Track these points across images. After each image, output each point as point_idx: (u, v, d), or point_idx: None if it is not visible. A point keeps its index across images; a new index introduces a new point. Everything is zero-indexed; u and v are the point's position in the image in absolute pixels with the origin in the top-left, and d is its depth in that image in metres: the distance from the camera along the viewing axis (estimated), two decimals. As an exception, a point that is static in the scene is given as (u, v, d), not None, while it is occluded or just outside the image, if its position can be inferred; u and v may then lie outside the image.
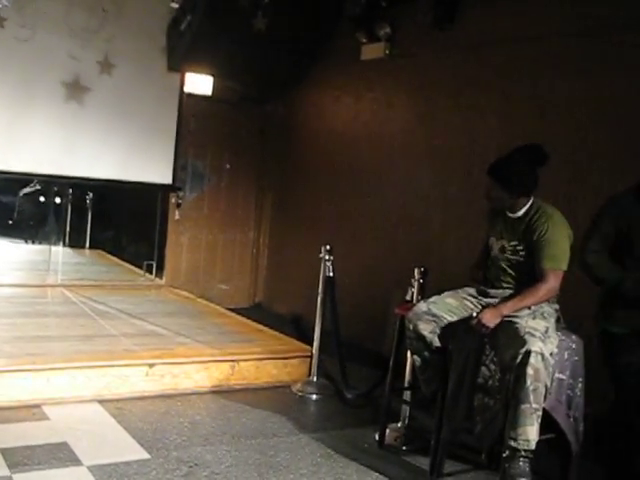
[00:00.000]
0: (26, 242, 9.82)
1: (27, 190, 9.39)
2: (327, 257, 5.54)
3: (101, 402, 4.78)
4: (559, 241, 3.79)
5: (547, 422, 3.69)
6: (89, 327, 5.98)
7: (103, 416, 4.57)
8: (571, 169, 5.10)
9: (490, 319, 3.75)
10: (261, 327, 6.60)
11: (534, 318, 3.69)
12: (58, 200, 8.92)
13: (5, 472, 3.63)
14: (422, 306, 4.04)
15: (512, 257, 3.94)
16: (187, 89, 7.94)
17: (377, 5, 6.77)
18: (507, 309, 3.77)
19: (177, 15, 7.28)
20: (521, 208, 3.92)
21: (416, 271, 4.65)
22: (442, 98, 6.36)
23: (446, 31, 6.18)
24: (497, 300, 3.93)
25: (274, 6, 6.64)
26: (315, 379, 5.56)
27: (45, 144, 7.29)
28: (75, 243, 9.48)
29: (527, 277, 3.86)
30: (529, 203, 3.92)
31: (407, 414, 4.66)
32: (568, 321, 3.98)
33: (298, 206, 8.29)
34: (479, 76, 5.99)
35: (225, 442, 4.31)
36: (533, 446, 3.49)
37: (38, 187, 9.17)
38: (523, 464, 3.49)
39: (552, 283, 3.76)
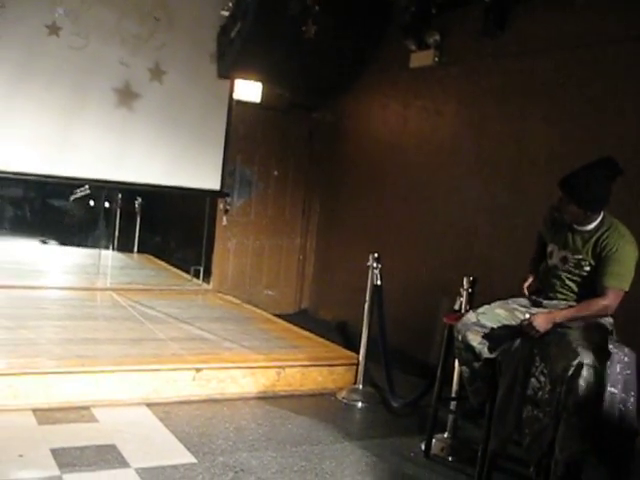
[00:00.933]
0: (76, 246, 9.98)
1: (78, 195, 9.55)
2: (375, 265, 5.52)
3: (149, 405, 4.83)
4: (627, 261, 3.72)
5: (599, 436, 3.63)
6: (137, 331, 6.04)
7: (150, 419, 4.62)
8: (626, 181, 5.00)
9: (542, 323, 3.70)
10: (307, 334, 6.60)
11: (587, 331, 3.62)
12: (108, 205, 9.06)
13: (55, 472, 3.70)
14: (471, 316, 4.00)
15: (574, 270, 3.86)
16: (236, 96, 7.99)
17: (427, 13, 6.74)
18: (560, 317, 3.72)
19: (227, 23, 7.32)
20: (591, 222, 3.83)
21: (465, 280, 4.61)
22: (491, 105, 6.31)
23: (496, 38, 6.13)
24: (548, 311, 3.87)
25: (324, 14, 6.65)
26: (361, 387, 5.55)
27: (96, 149, 7.39)
28: (124, 247, 9.61)
29: (586, 291, 3.81)
30: (600, 217, 3.84)
31: (454, 424, 4.62)
32: (621, 335, 3.90)
33: (345, 213, 8.28)
34: (529, 83, 5.93)
35: (271, 448, 4.33)
36: (584, 460, 3.43)
37: (88, 192, 9.32)
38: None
39: (611, 301, 3.70)
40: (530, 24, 5.90)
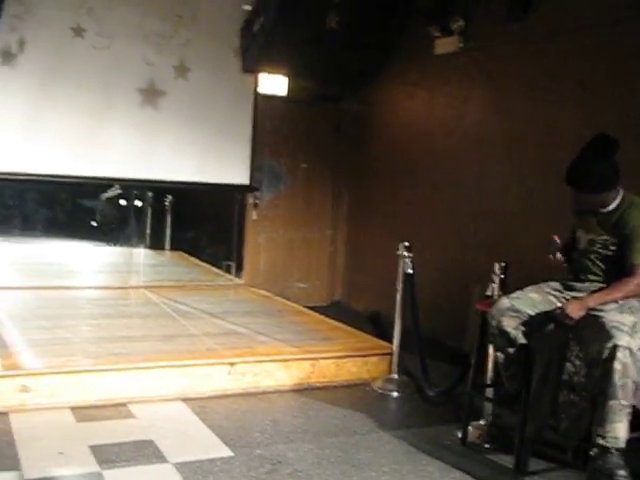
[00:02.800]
0: (109, 245, 10.08)
1: (108, 194, 9.64)
2: (406, 254, 5.50)
3: (185, 400, 4.86)
4: None
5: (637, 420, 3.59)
6: (171, 327, 6.08)
7: (187, 414, 4.65)
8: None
9: (575, 311, 3.66)
10: (340, 325, 6.60)
11: (621, 312, 3.58)
12: (139, 203, 9.13)
13: (95, 468, 3.74)
14: (505, 302, 3.97)
15: (602, 251, 3.85)
16: (261, 90, 7.99)
17: (450, -2, 6.70)
18: (593, 301, 3.68)
19: (250, 17, 7.34)
20: (612, 202, 3.82)
21: (497, 266, 4.56)
22: (518, 89, 6.24)
23: (521, 22, 6.06)
24: (583, 294, 3.83)
25: (346, 3, 6.63)
26: (396, 376, 5.52)
27: (124, 149, 7.46)
28: (156, 245, 9.69)
29: (616, 271, 3.76)
30: (620, 196, 3.82)
31: (490, 411, 4.57)
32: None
33: (374, 203, 8.26)
34: (556, 66, 5.85)
35: (307, 440, 4.33)
36: (622, 444, 3.39)
37: (119, 191, 9.41)
38: (616, 458, 3.38)
39: None
40: (555, 6, 5.81)
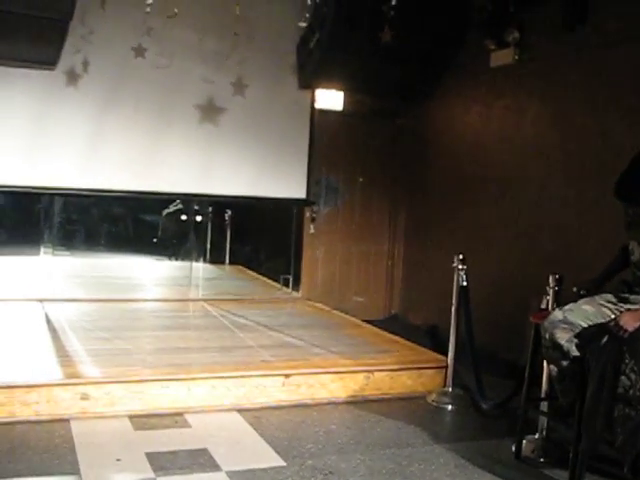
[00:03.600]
0: (169, 259, 10.27)
1: (170, 209, 9.84)
2: (460, 266, 5.49)
3: (239, 411, 4.93)
4: None
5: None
6: (228, 339, 6.18)
7: (241, 424, 4.71)
8: None
9: (630, 322, 3.60)
10: (395, 338, 6.60)
11: (676, 323, 3.52)
12: (199, 218, 9.30)
13: (150, 475, 3.83)
14: (558, 314, 3.94)
15: None
16: (318, 105, 8.08)
17: (505, 11, 6.66)
18: None
19: (305, 34, 7.42)
20: None
21: (551, 278, 4.52)
22: (575, 100, 6.18)
23: (577, 32, 6.00)
24: (637, 306, 3.77)
25: (400, 18, 6.65)
26: (450, 389, 5.51)
27: (184, 165, 7.61)
28: (215, 259, 9.83)
29: None
30: None
31: (545, 425, 4.53)
32: None
33: (432, 217, 8.24)
34: (613, 75, 5.78)
35: (359, 451, 4.35)
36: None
37: (180, 207, 9.59)
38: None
39: None
40: (610, 15, 5.75)
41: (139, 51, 7.21)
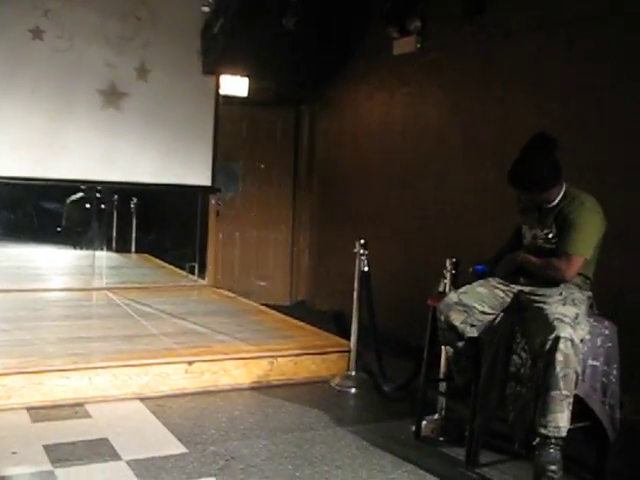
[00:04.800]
0: (74, 248, 10.02)
1: (73, 197, 9.59)
2: (362, 251, 5.56)
3: (142, 400, 4.88)
4: (584, 229, 3.75)
5: (583, 410, 3.67)
6: (131, 327, 6.10)
7: (144, 413, 4.67)
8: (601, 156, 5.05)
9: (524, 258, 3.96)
10: (299, 323, 6.65)
11: (564, 304, 3.65)
12: (103, 206, 9.10)
13: (48, 467, 3.75)
14: (453, 296, 4.03)
15: (545, 245, 3.92)
16: (222, 91, 8.03)
17: (408, -1, 6.77)
18: (526, 259, 3.93)
19: (209, 19, 7.37)
20: (555, 197, 3.89)
21: (448, 262, 4.63)
22: (475, 89, 6.33)
23: (476, 22, 6.15)
24: (528, 288, 3.91)
25: (303, 5, 6.68)
26: (353, 373, 5.58)
27: (86, 151, 7.45)
28: (121, 247, 9.66)
29: None
30: (562, 190, 3.89)
31: (443, 405, 4.65)
32: (601, 308, 3.94)
33: (336, 203, 8.32)
34: (510, 65, 5.95)
35: (262, 436, 4.36)
36: (564, 433, 3.45)
37: (83, 194, 9.36)
38: (554, 451, 3.46)
39: (565, 267, 3.74)
40: (508, 7, 5.91)
41: (37, 33, 7.01)
